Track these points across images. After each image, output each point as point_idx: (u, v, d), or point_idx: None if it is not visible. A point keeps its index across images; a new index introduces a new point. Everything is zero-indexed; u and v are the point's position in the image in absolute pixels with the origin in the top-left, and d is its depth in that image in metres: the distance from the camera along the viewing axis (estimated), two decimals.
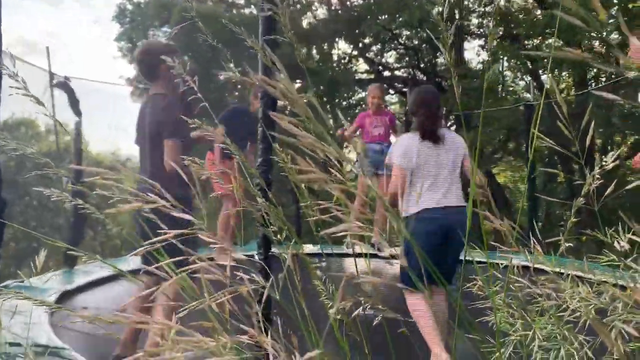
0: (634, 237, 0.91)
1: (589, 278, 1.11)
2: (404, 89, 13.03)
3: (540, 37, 11.67)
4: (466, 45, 13.92)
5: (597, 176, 1.00)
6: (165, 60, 1.47)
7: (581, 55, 0.67)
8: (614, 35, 9.92)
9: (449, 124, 13.06)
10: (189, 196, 2.86)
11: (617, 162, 1.03)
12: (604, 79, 11.75)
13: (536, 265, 1.16)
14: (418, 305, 3.14)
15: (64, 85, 5.73)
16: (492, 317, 1.17)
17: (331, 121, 12.83)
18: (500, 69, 12.86)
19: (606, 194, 1.01)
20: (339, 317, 1.18)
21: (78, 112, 6.19)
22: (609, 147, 12.63)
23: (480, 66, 12.99)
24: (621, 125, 11.56)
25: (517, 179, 16.21)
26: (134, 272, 1.46)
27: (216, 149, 5.13)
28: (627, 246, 0.85)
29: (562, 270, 1.18)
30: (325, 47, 13.23)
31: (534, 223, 5.92)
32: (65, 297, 4.12)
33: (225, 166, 4.99)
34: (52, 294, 4.05)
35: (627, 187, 0.96)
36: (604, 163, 1.02)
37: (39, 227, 16.42)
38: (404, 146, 3.35)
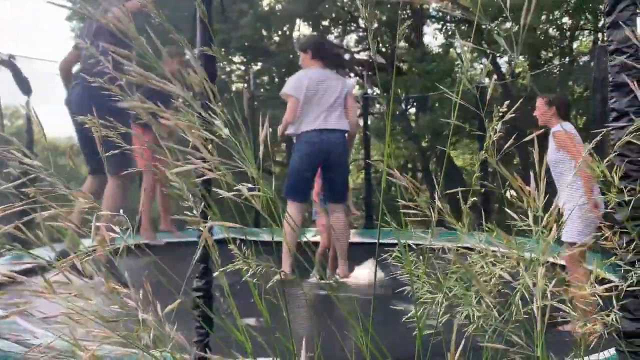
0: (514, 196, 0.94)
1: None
2: (364, 72, 13.08)
3: (495, 21, 11.87)
4: (425, 29, 14.06)
5: (497, 128, 1.06)
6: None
7: None
8: (565, 20, 10.23)
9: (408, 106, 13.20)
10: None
11: (514, 114, 1.10)
12: (556, 61, 12.05)
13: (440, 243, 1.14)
14: (290, 218, 3.43)
15: (8, 63, 5.56)
16: (410, 287, 1.16)
17: None
18: (458, 53, 13.04)
19: (506, 146, 1.08)
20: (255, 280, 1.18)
21: (26, 91, 6.00)
22: None
23: (438, 49, 13.14)
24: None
25: (473, 161, 16.51)
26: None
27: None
28: (511, 196, 0.89)
29: (467, 245, 1.14)
30: (285, 29, 13.14)
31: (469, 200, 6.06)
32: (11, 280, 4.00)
33: (147, 138, 4.77)
34: None
35: (525, 139, 1.03)
36: (500, 114, 1.09)
37: None
38: (297, 79, 3.87)
